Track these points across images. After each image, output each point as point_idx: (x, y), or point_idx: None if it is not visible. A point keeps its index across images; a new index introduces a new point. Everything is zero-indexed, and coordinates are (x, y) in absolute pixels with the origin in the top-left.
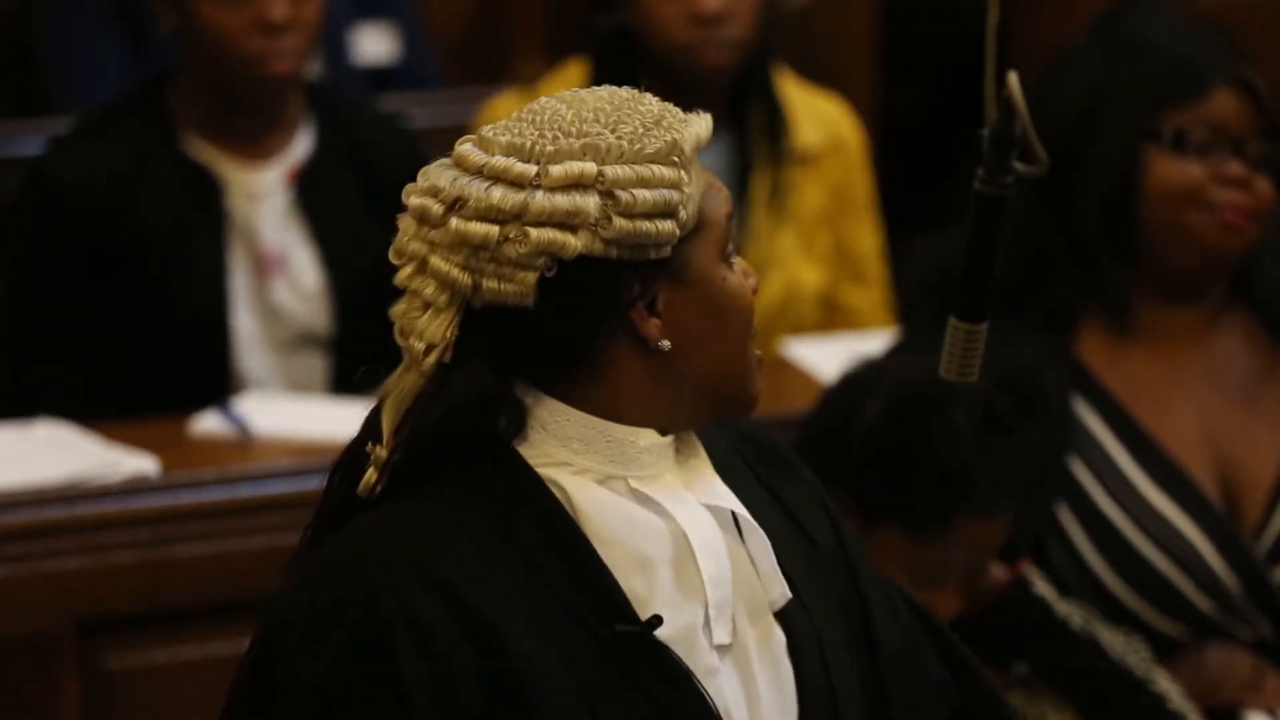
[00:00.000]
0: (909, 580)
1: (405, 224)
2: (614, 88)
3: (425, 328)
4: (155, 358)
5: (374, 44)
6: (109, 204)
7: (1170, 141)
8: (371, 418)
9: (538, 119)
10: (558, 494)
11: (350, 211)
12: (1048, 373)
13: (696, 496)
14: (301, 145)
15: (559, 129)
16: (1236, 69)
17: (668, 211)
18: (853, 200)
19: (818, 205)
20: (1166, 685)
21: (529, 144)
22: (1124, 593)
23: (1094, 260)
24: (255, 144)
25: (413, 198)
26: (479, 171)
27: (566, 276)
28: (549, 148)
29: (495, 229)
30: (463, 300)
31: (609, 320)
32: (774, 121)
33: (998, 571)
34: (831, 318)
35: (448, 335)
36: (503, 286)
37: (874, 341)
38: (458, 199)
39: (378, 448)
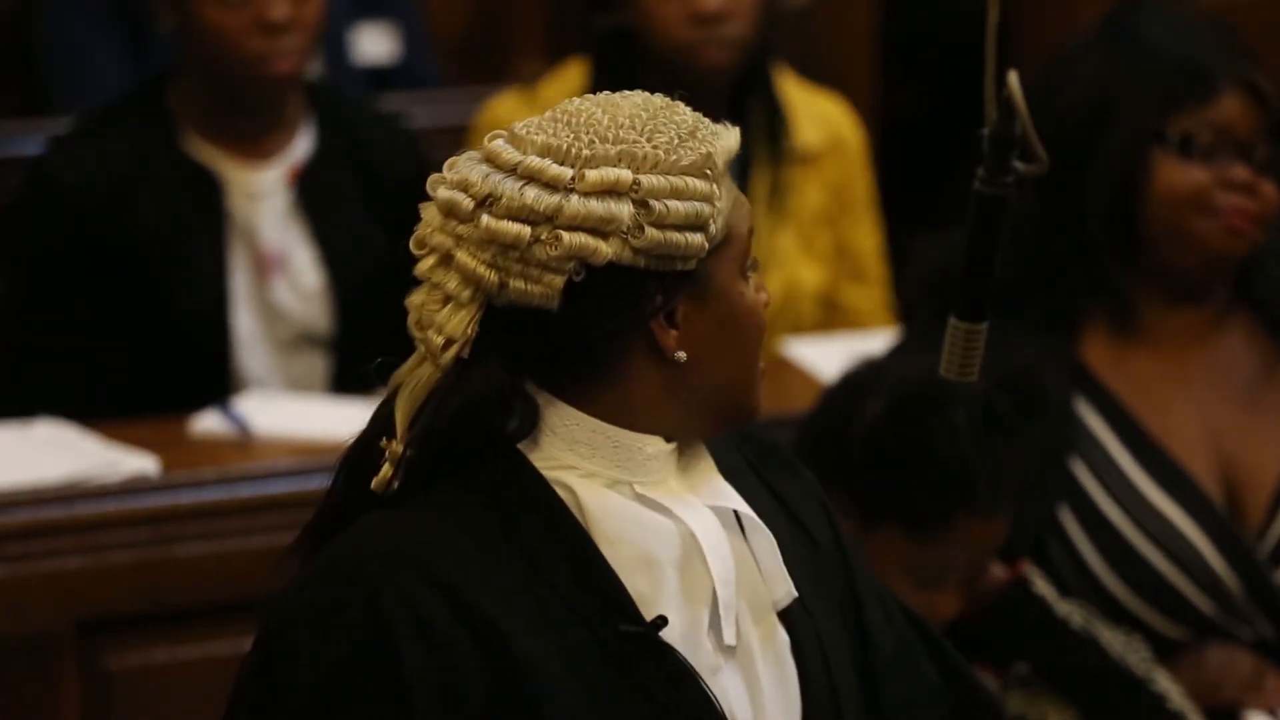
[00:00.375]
0: (909, 580)
1: (430, 215)
2: (648, 94)
3: (446, 322)
4: (155, 358)
5: (374, 44)
6: (109, 204)
7: (1176, 145)
8: (380, 412)
9: (573, 121)
10: (564, 495)
11: (350, 211)
12: (1048, 373)
13: (701, 499)
14: (302, 145)
15: (595, 133)
16: (1244, 72)
17: (699, 224)
18: (853, 200)
19: (818, 205)
20: (1166, 685)
21: (565, 146)
22: (1124, 594)
23: (1097, 261)
24: (255, 144)
25: (441, 189)
26: (513, 170)
27: (593, 282)
28: (585, 152)
29: (527, 230)
30: (485, 298)
31: (629, 329)
32: (774, 121)
33: (998, 571)
34: (831, 317)
35: (468, 331)
36: (529, 288)
37: (874, 341)
38: (489, 196)
39: (393, 443)
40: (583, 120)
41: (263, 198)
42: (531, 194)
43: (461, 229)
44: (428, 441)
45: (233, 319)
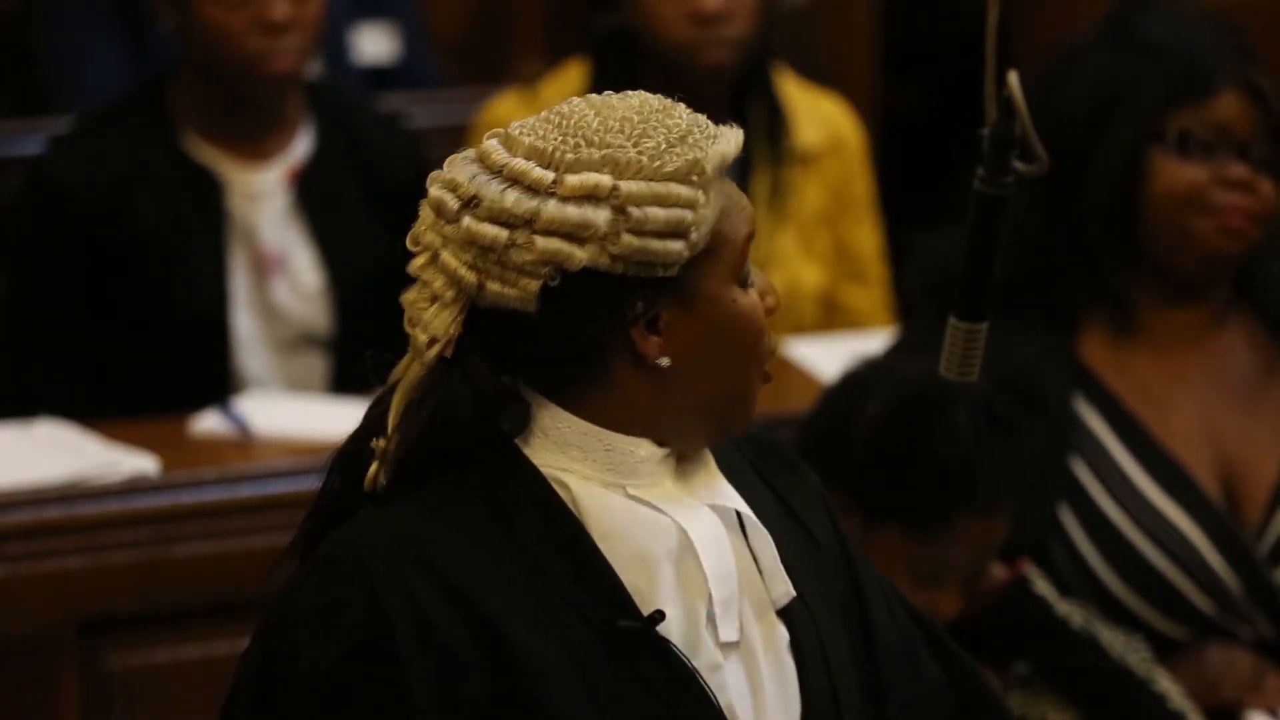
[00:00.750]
0: (909, 580)
1: (424, 213)
2: (648, 95)
3: (431, 320)
4: (155, 358)
5: (374, 44)
6: (109, 204)
7: (1174, 144)
8: (373, 410)
9: (564, 123)
10: (561, 492)
11: (350, 211)
12: (1048, 372)
13: (700, 499)
14: (301, 145)
15: (583, 136)
16: (1244, 71)
17: (678, 231)
18: (853, 200)
19: (818, 205)
20: (1167, 685)
21: (550, 149)
22: (1124, 593)
23: (1097, 260)
24: (255, 144)
25: (433, 188)
26: (499, 171)
27: (570, 287)
28: (569, 155)
29: (505, 233)
30: (468, 298)
31: (610, 334)
32: (774, 121)
33: (998, 571)
34: (832, 317)
35: (450, 331)
36: (506, 290)
37: (874, 341)
38: (474, 197)
39: (382, 440)
40: (574, 122)
41: (263, 198)
42: (511, 197)
43: (447, 229)
44: (407, 439)
45: (233, 319)
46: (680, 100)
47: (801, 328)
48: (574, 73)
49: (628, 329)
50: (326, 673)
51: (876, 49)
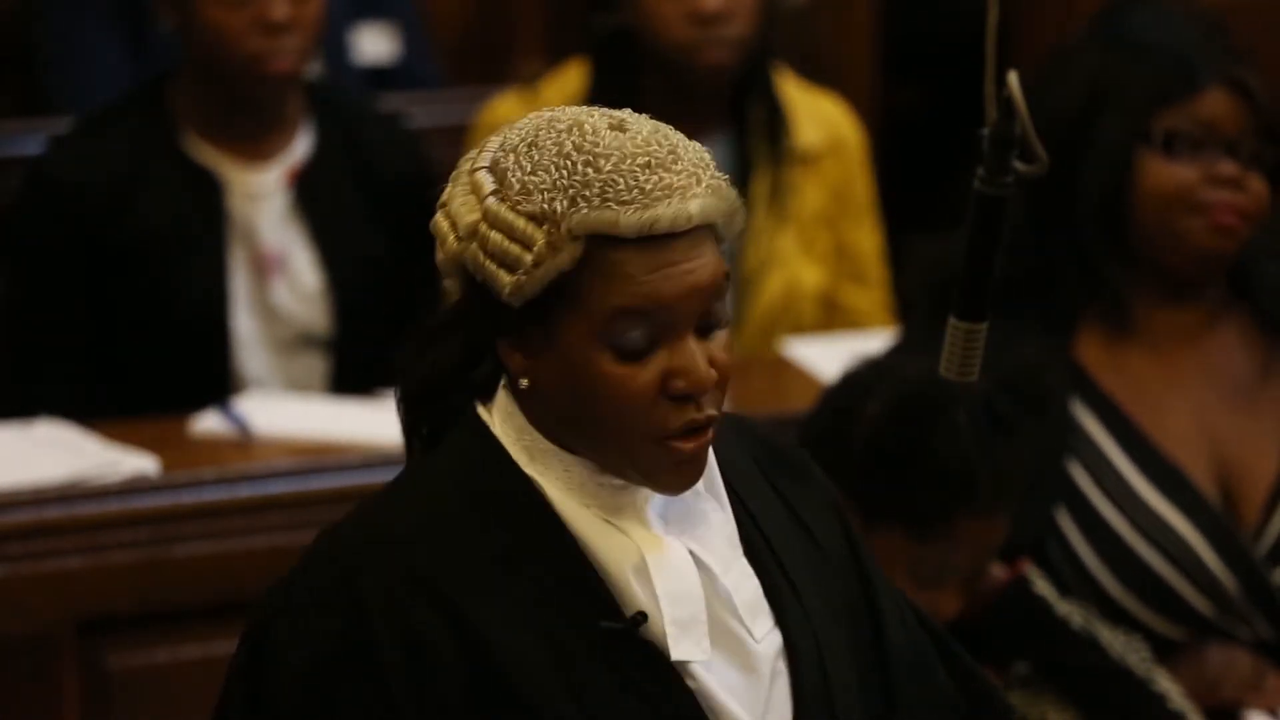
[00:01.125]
0: (909, 580)
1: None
2: (654, 138)
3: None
4: (155, 358)
5: (374, 44)
6: (109, 204)
7: (1161, 143)
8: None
9: (540, 136)
10: (536, 482)
11: (350, 212)
12: (1048, 372)
13: (669, 530)
14: (301, 145)
15: (536, 154)
16: (1230, 68)
17: (507, 263)
18: (853, 200)
19: (818, 205)
20: (1166, 685)
21: (502, 160)
22: (1122, 594)
23: (1091, 261)
24: (255, 144)
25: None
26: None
27: (474, 282)
28: (505, 166)
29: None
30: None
31: (489, 336)
32: (774, 121)
33: (998, 571)
34: (832, 318)
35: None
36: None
37: (874, 341)
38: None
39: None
40: (547, 139)
41: (262, 198)
42: (464, 178)
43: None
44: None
45: (232, 319)
46: (681, 100)
47: (801, 328)
48: (574, 73)
49: (495, 337)
50: (308, 668)
51: (876, 49)
